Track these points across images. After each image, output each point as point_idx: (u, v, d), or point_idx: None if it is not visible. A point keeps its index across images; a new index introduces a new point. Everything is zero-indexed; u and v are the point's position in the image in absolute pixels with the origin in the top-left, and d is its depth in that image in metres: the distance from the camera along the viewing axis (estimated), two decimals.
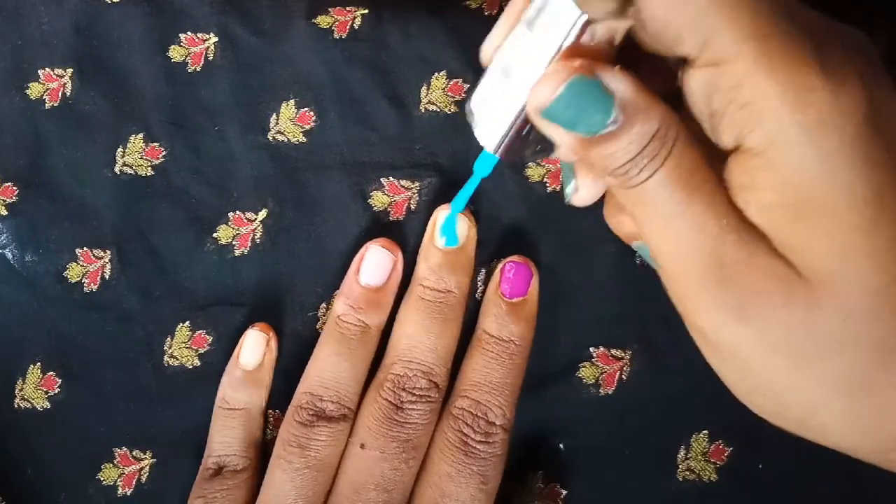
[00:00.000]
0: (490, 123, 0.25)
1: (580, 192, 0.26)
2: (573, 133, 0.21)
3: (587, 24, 0.21)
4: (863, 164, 0.19)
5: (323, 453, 0.30)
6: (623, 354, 0.32)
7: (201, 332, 0.33)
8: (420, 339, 0.31)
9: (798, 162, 0.19)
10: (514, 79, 0.23)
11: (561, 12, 0.22)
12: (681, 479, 0.32)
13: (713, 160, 0.21)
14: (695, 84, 0.21)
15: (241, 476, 0.31)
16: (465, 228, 0.32)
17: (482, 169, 0.28)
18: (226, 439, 0.31)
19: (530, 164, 0.33)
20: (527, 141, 0.25)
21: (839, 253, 0.19)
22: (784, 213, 0.20)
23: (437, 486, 0.30)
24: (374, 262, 0.32)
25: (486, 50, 0.25)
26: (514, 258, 0.32)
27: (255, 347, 0.32)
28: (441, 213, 0.32)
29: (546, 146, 0.23)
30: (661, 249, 0.22)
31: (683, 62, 0.21)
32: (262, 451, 0.32)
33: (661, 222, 0.21)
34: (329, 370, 0.31)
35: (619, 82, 0.20)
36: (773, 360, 0.21)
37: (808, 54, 0.19)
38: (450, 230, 0.31)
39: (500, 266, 0.32)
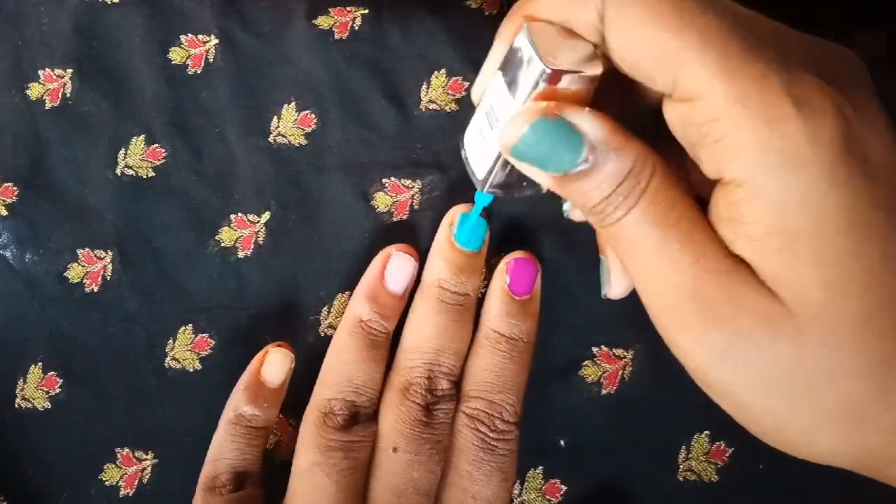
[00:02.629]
0: (478, 162, 0.26)
1: (576, 210, 0.27)
2: (546, 172, 0.22)
3: (560, 71, 0.22)
4: (844, 189, 0.19)
5: (362, 455, 0.30)
6: (625, 354, 0.32)
7: (203, 335, 0.33)
8: (443, 343, 0.31)
9: (780, 192, 0.19)
10: (495, 121, 0.24)
11: (530, 62, 0.22)
12: (681, 479, 0.32)
13: (706, 185, 0.21)
14: (673, 116, 0.21)
15: (258, 491, 0.31)
16: (484, 232, 0.32)
17: (482, 199, 0.29)
18: (249, 456, 0.31)
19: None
20: (514, 177, 0.26)
21: (827, 281, 0.19)
22: (771, 244, 0.20)
23: (461, 487, 0.30)
24: (400, 269, 0.32)
25: (476, 90, 0.26)
26: (519, 254, 0.32)
27: (282, 365, 0.31)
28: (458, 215, 0.32)
29: (533, 181, 0.24)
30: (642, 289, 0.22)
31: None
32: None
33: (640, 261, 0.22)
34: (361, 375, 0.31)
35: (588, 123, 0.21)
36: (764, 398, 0.21)
37: (780, 87, 0.19)
38: (470, 234, 0.31)
39: (505, 262, 0.32)
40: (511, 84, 0.23)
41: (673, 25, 0.20)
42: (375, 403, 0.31)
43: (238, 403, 0.31)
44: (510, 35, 0.24)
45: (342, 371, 0.31)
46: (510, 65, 0.23)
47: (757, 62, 0.19)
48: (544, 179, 0.22)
